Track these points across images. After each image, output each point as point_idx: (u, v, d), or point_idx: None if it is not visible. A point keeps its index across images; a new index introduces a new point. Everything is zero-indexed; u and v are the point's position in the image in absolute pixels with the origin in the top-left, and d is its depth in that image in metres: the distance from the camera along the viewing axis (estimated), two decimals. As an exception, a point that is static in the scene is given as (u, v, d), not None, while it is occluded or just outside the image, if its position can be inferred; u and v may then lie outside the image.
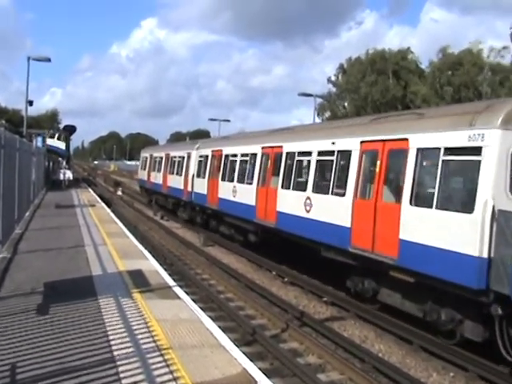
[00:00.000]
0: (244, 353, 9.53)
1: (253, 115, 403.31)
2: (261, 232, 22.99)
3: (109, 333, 9.63)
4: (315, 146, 18.37)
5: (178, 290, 13.46)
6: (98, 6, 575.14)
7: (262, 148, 23.14)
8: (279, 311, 15.86)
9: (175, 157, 38.79)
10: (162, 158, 43.23)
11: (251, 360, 9.18)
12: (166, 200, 41.50)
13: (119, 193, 58.70)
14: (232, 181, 26.17)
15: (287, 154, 20.64)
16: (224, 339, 9.89)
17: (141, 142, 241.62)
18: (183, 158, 36.26)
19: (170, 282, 14.41)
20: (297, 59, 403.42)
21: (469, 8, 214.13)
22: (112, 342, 9.12)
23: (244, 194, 24.26)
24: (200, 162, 32.45)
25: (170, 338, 9.63)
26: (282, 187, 20.38)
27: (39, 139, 49.68)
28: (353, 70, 78.65)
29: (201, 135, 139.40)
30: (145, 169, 50.35)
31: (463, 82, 62.23)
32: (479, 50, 63.99)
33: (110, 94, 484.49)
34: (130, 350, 8.85)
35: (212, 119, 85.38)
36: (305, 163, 19.47)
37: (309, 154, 18.74)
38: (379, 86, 72.97)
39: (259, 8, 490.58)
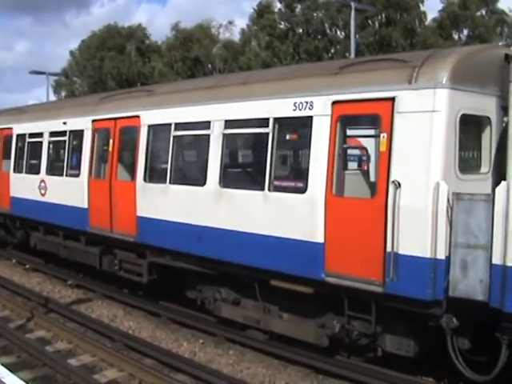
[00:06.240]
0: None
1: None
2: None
3: None
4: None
5: None
6: None
7: None
8: (23, 300, 15.25)
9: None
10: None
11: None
12: None
13: None
14: None
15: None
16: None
17: None
18: None
19: None
20: (45, 36, 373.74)
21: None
22: None
23: None
24: None
25: None
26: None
27: None
28: (89, 46, 76.57)
29: None
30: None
31: (199, 56, 63.96)
32: (209, 26, 66.08)
33: None
34: None
35: None
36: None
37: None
38: (120, 62, 71.88)
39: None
